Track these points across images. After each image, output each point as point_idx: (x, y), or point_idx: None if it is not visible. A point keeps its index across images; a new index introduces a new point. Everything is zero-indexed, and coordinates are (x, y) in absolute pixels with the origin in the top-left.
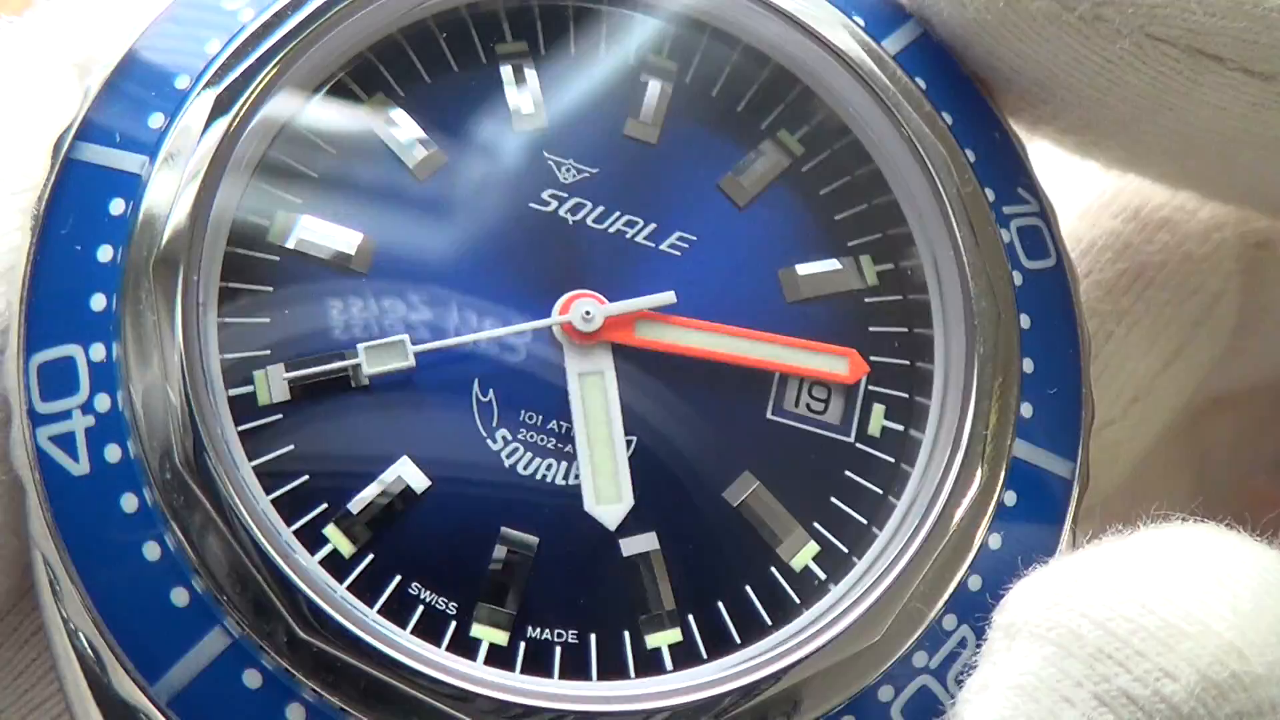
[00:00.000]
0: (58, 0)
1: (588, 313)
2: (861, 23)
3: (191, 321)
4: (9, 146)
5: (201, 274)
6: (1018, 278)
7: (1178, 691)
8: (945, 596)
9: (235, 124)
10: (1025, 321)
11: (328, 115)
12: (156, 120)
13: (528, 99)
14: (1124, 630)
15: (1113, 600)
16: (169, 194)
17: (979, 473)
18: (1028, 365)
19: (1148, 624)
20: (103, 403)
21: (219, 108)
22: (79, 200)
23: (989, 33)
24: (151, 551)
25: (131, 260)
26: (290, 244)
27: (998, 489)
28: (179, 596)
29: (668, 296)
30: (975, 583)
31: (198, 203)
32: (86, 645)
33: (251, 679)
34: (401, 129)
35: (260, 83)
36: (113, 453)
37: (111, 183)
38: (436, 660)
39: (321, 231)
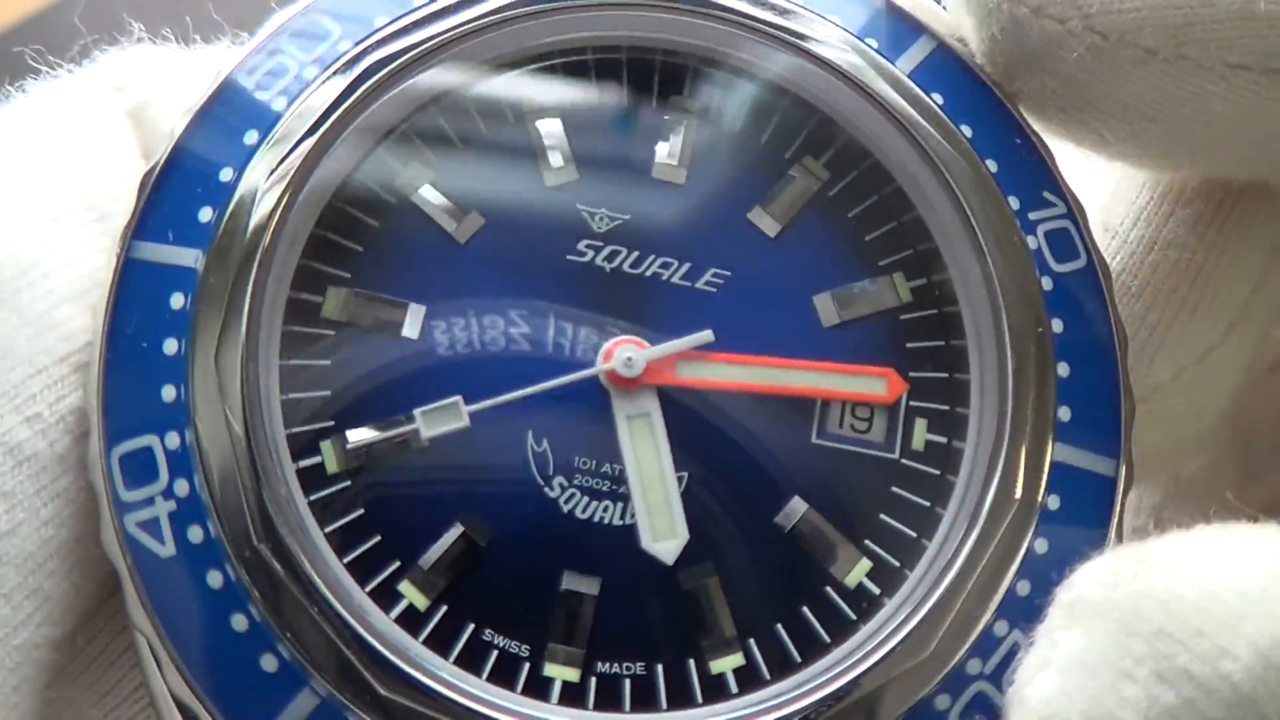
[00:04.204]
0: (112, 52)
1: (629, 359)
2: (874, 44)
3: (255, 399)
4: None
5: (260, 353)
6: (1048, 283)
7: (1237, 670)
8: (995, 603)
9: (278, 217)
10: (1058, 325)
11: (367, 188)
12: (205, 214)
13: (557, 154)
14: (1184, 610)
15: (1174, 582)
16: (223, 285)
17: (1019, 481)
18: (1063, 369)
19: (1208, 605)
20: (182, 488)
21: (264, 205)
22: (141, 298)
23: (1083, 86)
24: (239, 623)
25: (194, 351)
26: (341, 317)
27: (1039, 495)
28: (268, 663)
29: (705, 335)
30: (1024, 588)
31: (254, 292)
32: (190, 713)
33: None
34: (439, 195)
35: (301, 168)
36: (195, 534)
37: (170, 278)
38: (512, 707)
39: (371, 303)
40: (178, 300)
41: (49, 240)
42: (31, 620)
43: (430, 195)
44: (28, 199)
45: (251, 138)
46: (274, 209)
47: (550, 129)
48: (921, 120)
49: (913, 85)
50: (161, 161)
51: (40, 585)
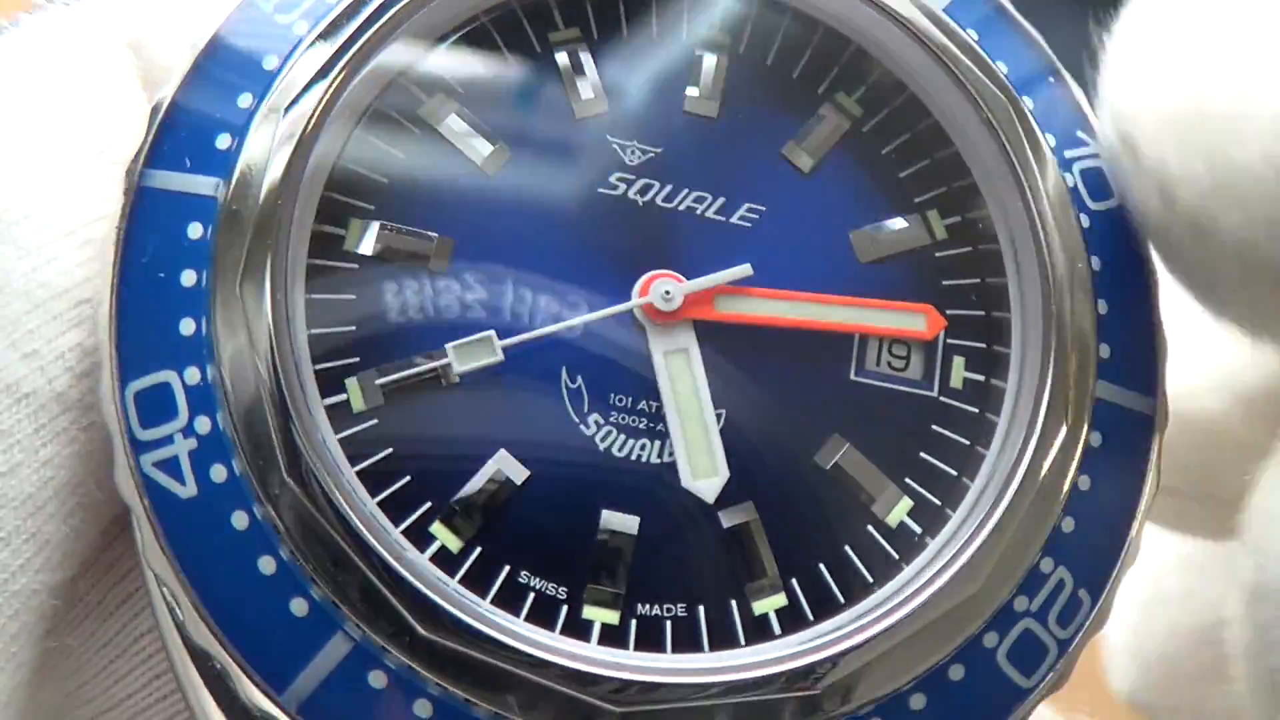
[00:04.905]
0: None
1: (667, 292)
2: None
3: (282, 332)
4: (70, 165)
5: (286, 290)
6: (1084, 220)
7: None
8: (1041, 541)
9: (302, 146)
10: (1095, 263)
11: (391, 120)
12: (224, 141)
13: (586, 85)
14: None
15: None
16: (247, 214)
17: (1065, 417)
18: (1102, 307)
19: None
20: (203, 425)
21: (286, 132)
22: (156, 228)
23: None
24: (266, 565)
25: (216, 281)
26: (367, 250)
27: (1083, 431)
28: (298, 606)
29: (744, 269)
30: (1068, 525)
31: (275, 225)
32: (211, 661)
33: (377, 679)
34: (465, 126)
35: (323, 98)
36: (218, 473)
37: (187, 207)
38: (553, 645)
39: (397, 235)
40: (196, 230)
41: (49, 173)
42: (30, 565)
43: (456, 126)
44: (25, 132)
45: (271, 62)
46: (299, 136)
47: (579, 60)
48: (960, 55)
49: (948, 19)
50: (175, 88)
51: (39, 529)
